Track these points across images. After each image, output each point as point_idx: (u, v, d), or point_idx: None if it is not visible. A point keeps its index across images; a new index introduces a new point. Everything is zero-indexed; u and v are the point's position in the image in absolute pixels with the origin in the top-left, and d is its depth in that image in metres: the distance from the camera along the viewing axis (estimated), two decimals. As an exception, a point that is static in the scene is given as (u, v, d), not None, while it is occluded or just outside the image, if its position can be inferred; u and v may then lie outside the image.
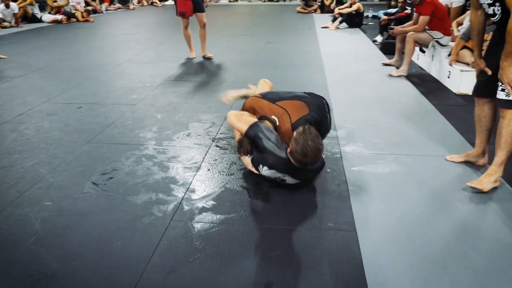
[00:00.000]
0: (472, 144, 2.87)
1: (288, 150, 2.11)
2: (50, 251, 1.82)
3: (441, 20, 4.72)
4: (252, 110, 2.53)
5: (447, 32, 4.79)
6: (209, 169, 2.58)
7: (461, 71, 4.13)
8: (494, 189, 2.27)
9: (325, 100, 2.63)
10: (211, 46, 6.24)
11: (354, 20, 8.92)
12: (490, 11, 2.13)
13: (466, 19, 5.14)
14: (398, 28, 5.09)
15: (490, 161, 2.45)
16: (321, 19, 10.44)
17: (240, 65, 5.46)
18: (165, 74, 4.97)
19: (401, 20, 7.17)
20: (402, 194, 2.27)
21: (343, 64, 5.51)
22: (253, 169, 2.40)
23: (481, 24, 2.28)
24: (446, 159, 2.65)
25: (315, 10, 12.35)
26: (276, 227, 1.99)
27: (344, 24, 8.97)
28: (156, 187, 2.36)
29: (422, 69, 5.33)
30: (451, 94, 4.20)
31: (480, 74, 2.34)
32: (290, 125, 2.36)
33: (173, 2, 16.32)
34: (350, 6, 8.98)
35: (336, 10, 9.17)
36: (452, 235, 1.92)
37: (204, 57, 5.85)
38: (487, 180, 2.24)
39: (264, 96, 2.61)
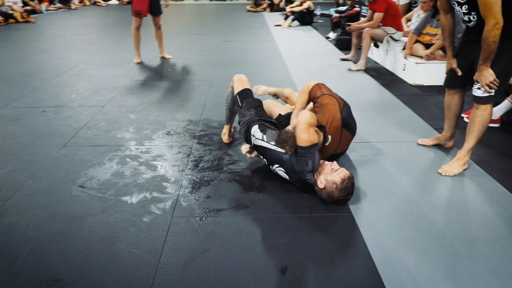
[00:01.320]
0: (437, 129, 3.14)
1: (322, 185, 2.11)
2: (52, 256, 1.75)
3: (393, 17, 5.03)
4: (320, 110, 2.33)
5: (399, 27, 5.11)
6: (197, 165, 2.59)
7: (416, 63, 4.44)
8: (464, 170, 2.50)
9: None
10: (167, 46, 6.15)
11: (305, 18, 9.19)
12: (466, 18, 2.28)
13: (414, 15, 5.54)
14: (354, 25, 5.34)
15: (458, 145, 2.70)
16: (272, 18, 10.64)
17: (202, 64, 5.45)
18: (127, 75, 4.84)
19: (351, 18, 7.53)
20: (385, 177, 2.43)
21: (303, 60, 5.68)
22: (250, 155, 2.51)
23: (451, 26, 2.46)
24: (418, 143, 2.86)
25: (264, 9, 12.54)
26: (277, 216, 2.06)
27: (295, 22, 9.21)
28: (148, 186, 2.34)
29: (377, 63, 5.64)
30: (408, 85, 4.50)
31: (451, 72, 2.54)
32: (332, 152, 2.41)
33: (117, 2, 15.82)
34: (301, 4, 9.25)
35: (288, 9, 9.39)
36: (437, 210, 2.09)
37: (162, 57, 5.76)
38: (457, 164, 2.46)
39: (343, 112, 2.35)
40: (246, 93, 2.68)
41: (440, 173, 2.46)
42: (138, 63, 5.49)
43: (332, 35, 7.57)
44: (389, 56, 5.25)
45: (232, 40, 7.34)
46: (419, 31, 4.59)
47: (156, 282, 1.62)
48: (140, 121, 3.33)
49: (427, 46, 4.55)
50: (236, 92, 2.70)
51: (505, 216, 2.05)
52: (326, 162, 2.21)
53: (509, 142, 2.99)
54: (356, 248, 1.82)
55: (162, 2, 5.51)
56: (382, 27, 5.05)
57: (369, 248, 1.81)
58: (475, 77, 2.28)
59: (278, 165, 2.27)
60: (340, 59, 5.69)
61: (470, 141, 2.42)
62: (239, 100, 2.66)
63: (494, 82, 2.21)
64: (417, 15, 5.50)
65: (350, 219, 2.03)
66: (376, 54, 5.75)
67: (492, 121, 3.28)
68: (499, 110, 3.27)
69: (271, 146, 2.28)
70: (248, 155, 2.55)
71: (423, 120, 3.36)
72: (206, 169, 2.55)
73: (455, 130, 2.75)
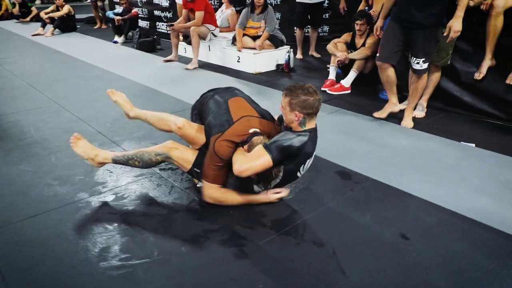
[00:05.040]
0: (326, 101, 3.78)
1: (298, 116, 1.94)
2: None
3: (211, 14, 5.34)
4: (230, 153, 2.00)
5: (216, 24, 5.48)
6: (188, 203, 2.26)
7: (254, 54, 4.97)
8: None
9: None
10: None
11: (68, 24, 8.18)
12: None
13: (218, 12, 6.03)
14: (178, 25, 5.32)
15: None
16: (12, 27, 8.90)
17: (12, 91, 4.22)
18: None
19: (132, 19, 7.35)
20: (343, 143, 2.86)
21: (128, 67, 5.25)
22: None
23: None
24: (374, 116, 3.35)
25: (-13, 17, 10.19)
26: (332, 205, 2.16)
27: (56, 30, 8.06)
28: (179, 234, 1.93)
29: (199, 60, 5.81)
30: (251, 75, 4.97)
31: (388, 48, 3.11)
32: (261, 121, 2.12)
33: None
34: (57, 9, 8.14)
35: (44, 15, 8.05)
36: (400, 148, 2.70)
37: None
38: (409, 119, 3.24)
39: (219, 127, 2.04)
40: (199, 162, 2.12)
41: (404, 126, 3.19)
42: None
43: (119, 39, 7.15)
44: (214, 51, 5.56)
45: (4, 57, 5.84)
46: (243, 25, 5.11)
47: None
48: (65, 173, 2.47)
49: (253, 38, 5.13)
50: (189, 168, 2.15)
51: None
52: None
53: (359, 100, 3.91)
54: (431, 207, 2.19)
55: None
56: (204, 24, 5.27)
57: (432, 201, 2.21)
58: (449, 24, 2.77)
59: (296, 169, 2.03)
60: (164, 60, 5.58)
61: (413, 101, 3.22)
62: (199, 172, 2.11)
63: (457, 35, 2.80)
64: (221, 11, 6.01)
65: (386, 186, 2.36)
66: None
67: (345, 89, 4.21)
68: (348, 80, 4.21)
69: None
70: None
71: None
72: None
73: (396, 96, 3.36)
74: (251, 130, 2.03)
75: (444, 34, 2.84)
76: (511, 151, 2.74)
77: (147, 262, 1.70)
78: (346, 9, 5.44)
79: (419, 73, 3.08)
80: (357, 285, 1.58)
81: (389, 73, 3.22)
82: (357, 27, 4.23)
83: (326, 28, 6.86)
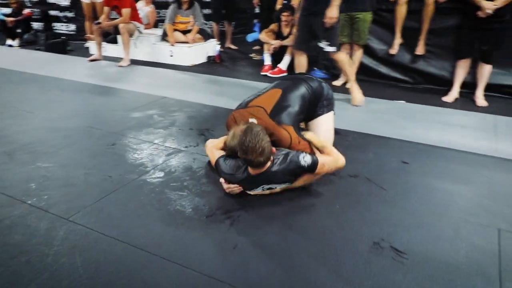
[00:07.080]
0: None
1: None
2: None
3: (135, 11, 5.40)
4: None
5: (141, 21, 5.55)
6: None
7: (189, 47, 5.23)
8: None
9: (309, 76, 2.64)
10: None
11: None
12: None
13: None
14: (105, 22, 5.21)
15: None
16: None
17: None
18: None
19: (27, 20, 6.82)
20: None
21: (62, 69, 4.94)
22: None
23: None
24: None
25: None
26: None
27: None
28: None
29: (121, 58, 5.71)
30: (186, 67, 5.22)
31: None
32: (267, 118, 2.23)
33: None
34: None
35: None
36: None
37: None
38: (358, 94, 3.65)
39: (236, 109, 2.44)
40: None
41: (356, 104, 3.62)
42: None
43: (14, 42, 6.52)
44: (142, 48, 5.59)
45: None
46: (173, 21, 5.33)
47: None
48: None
49: (183, 32, 5.39)
50: None
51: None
52: None
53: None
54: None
55: None
56: (131, 22, 5.30)
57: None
58: (326, 12, 3.23)
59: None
60: (89, 60, 5.42)
61: (348, 78, 3.71)
62: None
63: (333, 21, 3.29)
64: (139, 9, 6.04)
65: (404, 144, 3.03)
66: (116, 50, 5.76)
67: (283, 71, 4.83)
68: (285, 64, 4.84)
69: None
70: None
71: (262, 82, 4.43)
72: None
73: None
74: (251, 120, 2.24)
75: (323, 20, 3.34)
76: (432, 103, 3.70)
77: (245, 211, 2.01)
78: (260, 4, 6.05)
79: (329, 54, 3.53)
80: (446, 213, 2.03)
81: (301, 59, 3.61)
82: (283, 18, 4.89)
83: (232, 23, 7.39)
